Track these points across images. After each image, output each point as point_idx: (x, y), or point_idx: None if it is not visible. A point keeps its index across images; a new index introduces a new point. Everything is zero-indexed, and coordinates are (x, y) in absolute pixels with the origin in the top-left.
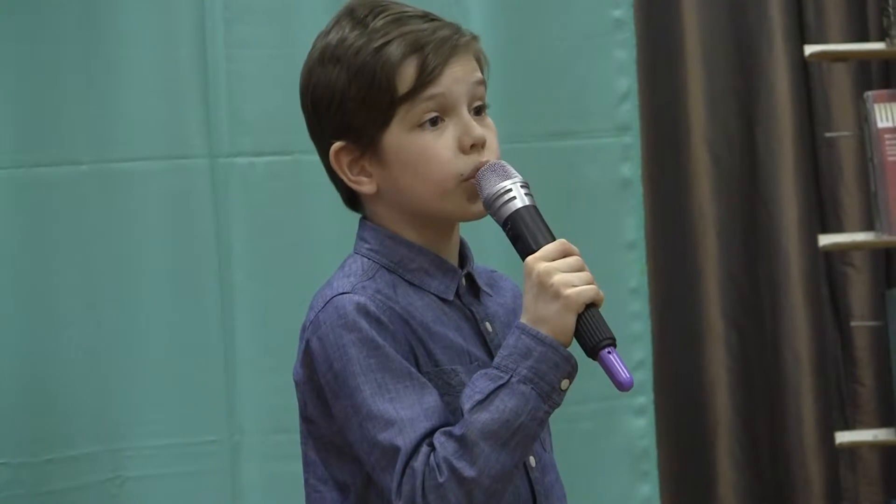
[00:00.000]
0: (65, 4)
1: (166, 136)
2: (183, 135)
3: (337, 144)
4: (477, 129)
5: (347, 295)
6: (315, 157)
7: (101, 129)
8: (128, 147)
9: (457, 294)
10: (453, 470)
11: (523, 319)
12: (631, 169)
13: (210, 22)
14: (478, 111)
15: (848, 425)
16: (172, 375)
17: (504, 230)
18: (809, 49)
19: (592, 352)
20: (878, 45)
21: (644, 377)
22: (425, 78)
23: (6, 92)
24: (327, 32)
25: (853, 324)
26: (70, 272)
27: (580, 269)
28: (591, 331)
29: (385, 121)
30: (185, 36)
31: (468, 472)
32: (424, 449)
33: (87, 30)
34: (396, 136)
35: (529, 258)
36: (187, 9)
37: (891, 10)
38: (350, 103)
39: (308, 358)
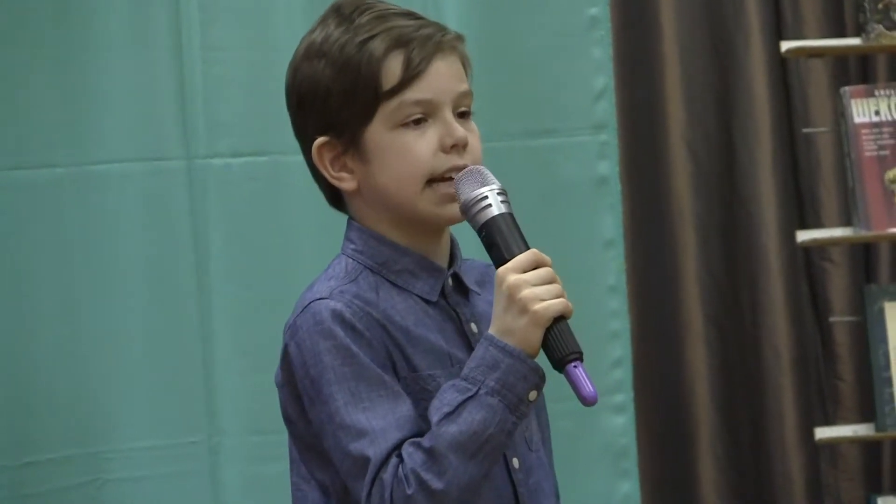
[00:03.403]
0: (40, 8)
1: (143, 138)
2: (159, 136)
3: (320, 140)
4: (459, 129)
5: (324, 301)
6: (292, 158)
7: (77, 132)
8: (104, 149)
9: (443, 294)
10: (421, 482)
11: (492, 330)
12: (608, 167)
13: (186, 24)
14: (462, 115)
15: (828, 421)
16: (151, 377)
17: (479, 237)
18: (786, 45)
19: (558, 365)
20: (854, 41)
21: (623, 375)
22: (410, 73)
23: None
24: (313, 31)
25: (832, 319)
26: (48, 275)
27: (550, 282)
28: (557, 345)
29: (368, 116)
30: (160, 38)
31: (436, 484)
32: (394, 460)
33: (63, 33)
34: (378, 133)
35: (501, 269)
36: (163, 11)
37: (866, 5)
38: (334, 98)
39: (286, 362)
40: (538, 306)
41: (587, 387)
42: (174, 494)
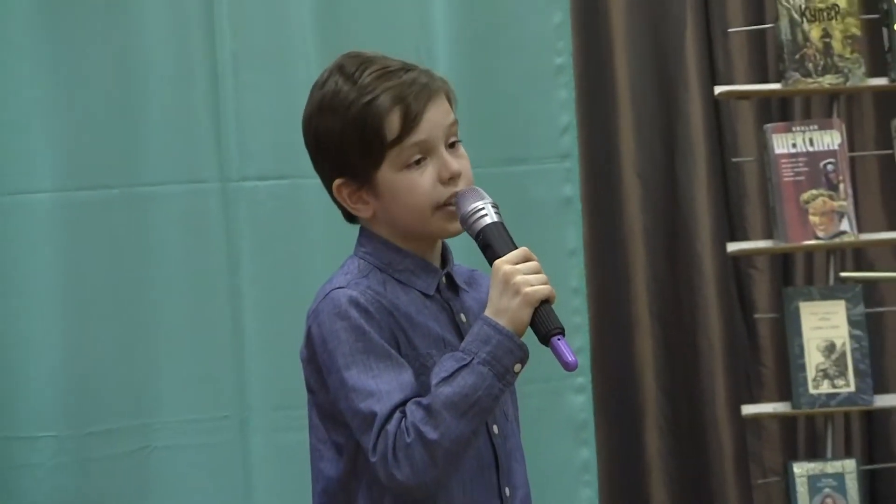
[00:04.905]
0: (101, 58)
1: (184, 164)
2: (198, 163)
3: (338, 181)
4: (454, 163)
5: (343, 289)
6: (308, 182)
7: (129, 158)
8: (152, 173)
9: (438, 290)
10: (419, 432)
11: (487, 312)
12: (572, 189)
13: (221, 68)
14: (452, 145)
15: (753, 399)
16: (191, 363)
17: (476, 241)
18: (719, 89)
19: (545, 338)
20: (775, 86)
21: (583, 361)
22: (409, 124)
23: (54, 129)
24: (322, 84)
25: (756, 316)
26: (105, 278)
27: (538, 272)
28: (544, 321)
29: (377, 162)
30: (200, 81)
31: (431, 434)
32: (397, 415)
33: (119, 76)
34: (388, 174)
35: (497, 261)
36: (202, 58)
37: (785, 56)
38: (347, 149)
39: (309, 341)
40: (529, 289)
41: (568, 355)
42: (211, 460)
